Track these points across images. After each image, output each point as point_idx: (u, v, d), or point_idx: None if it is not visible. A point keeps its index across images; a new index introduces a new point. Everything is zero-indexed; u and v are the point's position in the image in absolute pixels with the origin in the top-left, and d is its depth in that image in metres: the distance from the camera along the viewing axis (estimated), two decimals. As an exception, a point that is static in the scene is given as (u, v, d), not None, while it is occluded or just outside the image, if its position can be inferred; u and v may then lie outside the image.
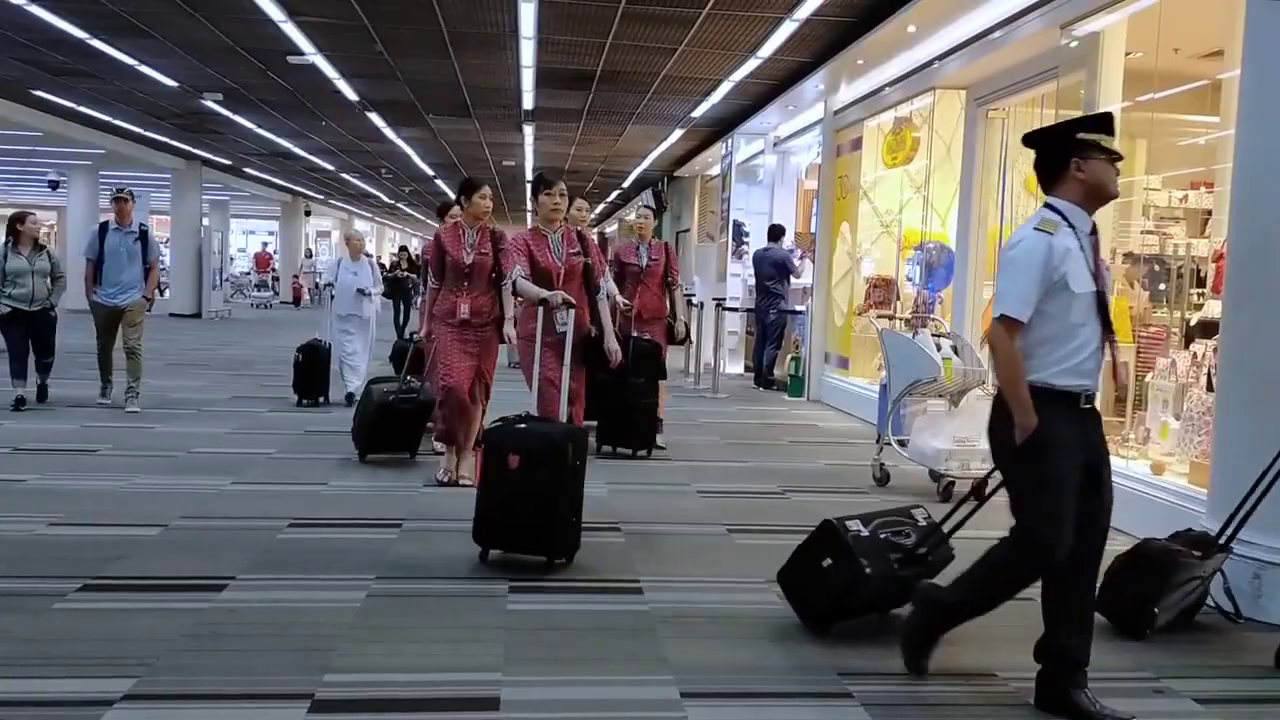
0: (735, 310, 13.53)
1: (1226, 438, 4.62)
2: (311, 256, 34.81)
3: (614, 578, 4.65)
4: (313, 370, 9.73)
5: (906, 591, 3.73)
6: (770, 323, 12.51)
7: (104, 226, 9.06)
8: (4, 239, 8.90)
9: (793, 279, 12.51)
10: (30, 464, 6.63)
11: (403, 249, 23.90)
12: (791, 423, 9.88)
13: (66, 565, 4.48)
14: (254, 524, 5.33)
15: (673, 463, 7.46)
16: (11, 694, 3.21)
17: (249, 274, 34.59)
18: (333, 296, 10.11)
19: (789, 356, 12.25)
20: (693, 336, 10.00)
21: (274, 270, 34.31)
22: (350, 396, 9.30)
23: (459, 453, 6.42)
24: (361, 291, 9.73)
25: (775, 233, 12.74)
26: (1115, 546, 5.62)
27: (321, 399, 9.71)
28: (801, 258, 12.94)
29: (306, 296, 30.80)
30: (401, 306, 18.43)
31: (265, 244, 40.39)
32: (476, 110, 15.03)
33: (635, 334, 7.71)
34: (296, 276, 32.00)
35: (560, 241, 5.90)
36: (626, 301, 7.88)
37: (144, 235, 9.06)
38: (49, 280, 8.83)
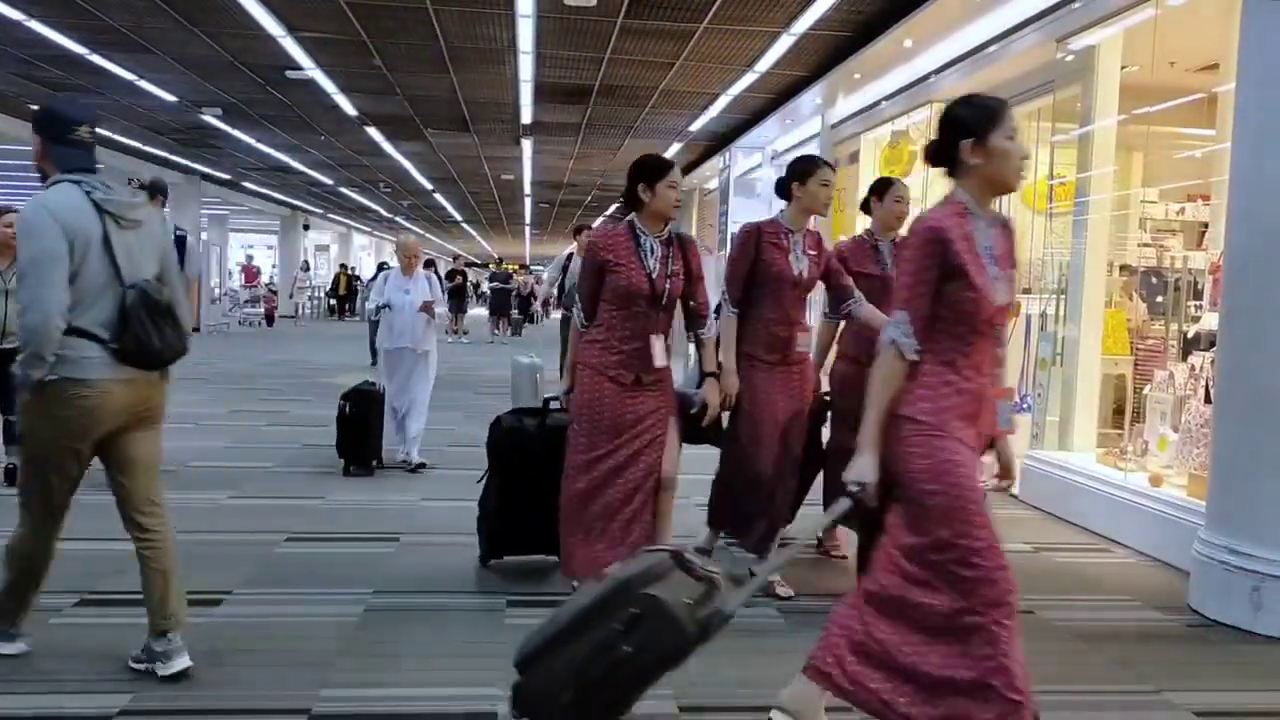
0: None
1: (1224, 450, 4.62)
2: (309, 269, 34.14)
3: (612, 591, 4.63)
4: (365, 425, 7.14)
5: None
6: None
7: None
8: None
9: None
10: (27, 478, 6.60)
11: (429, 262, 23.08)
12: (790, 436, 9.85)
13: (63, 580, 4.44)
14: (251, 538, 5.31)
15: (671, 476, 7.45)
16: (8, 710, 3.19)
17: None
18: (375, 322, 7.66)
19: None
20: None
21: (271, 284, 33.68)
22: (409, 464, 7.31)
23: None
24: (427, 309, 7.39)
25: None
26: (1115, 559, 5.63)
27: (376, 463, 7.27)
28: None
29: (306, 310, 30.38)
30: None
31: (250, 256, 37.89)
32: (475, 124, 15.07)
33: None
34: (274, 293, 29.86)
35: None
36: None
37: (181, 244, 6.42)
38: None
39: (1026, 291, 8.56)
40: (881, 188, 4.98)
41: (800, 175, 4.55)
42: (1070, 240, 6.87)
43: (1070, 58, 6.83)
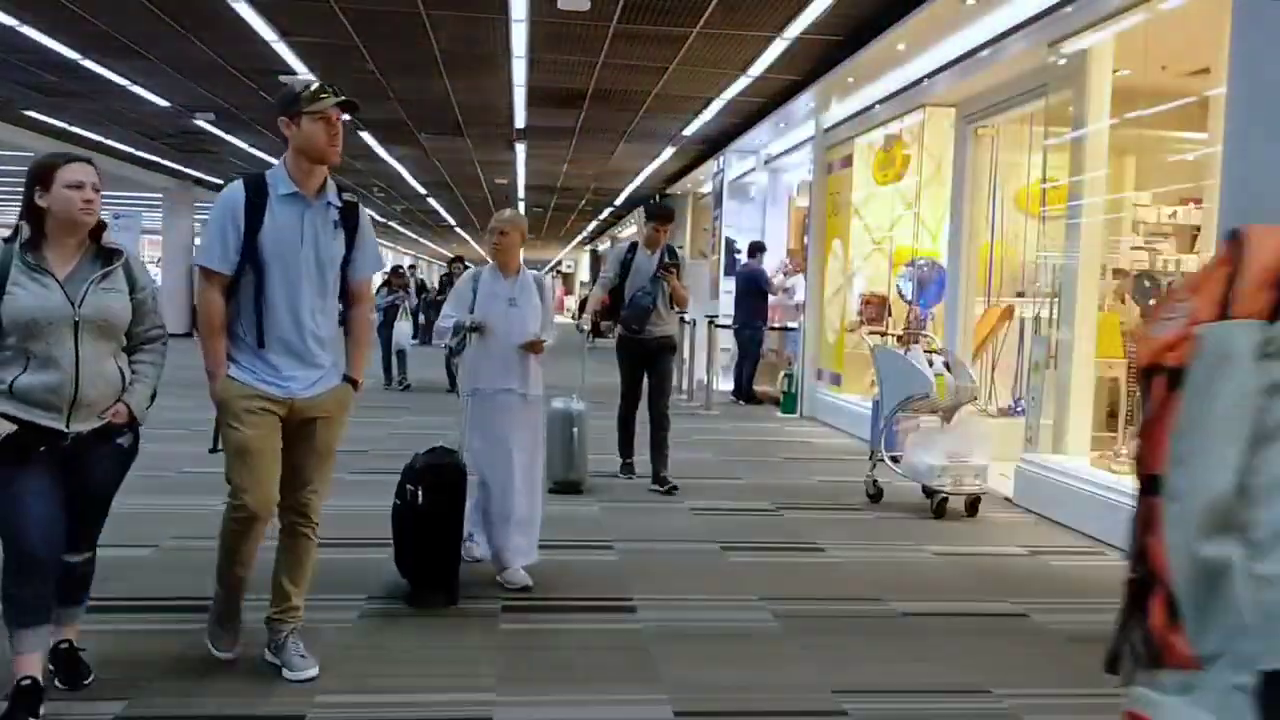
0: (727, 327, 13.59)
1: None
2: None
3: (607, 596, 4.63)
4: (445, 530, 4.32)
5: None
6: (745, 339, 12.68)
7: (259, 184, 3.65)
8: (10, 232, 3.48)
9: (770, 296, 12.66)
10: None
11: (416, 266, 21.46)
12: (784, 439, 9.87)
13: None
14: (246, 544, 5.28)
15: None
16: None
17: None
18: (451, 350, 5.01)
19: (782, 373, 12.26)
20: None
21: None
22: (508, 583, 4.59)
23: None
24: (533, 349, 4.76)
25: (751, 249, 13.00)
26: (1109, 562, 5.65)
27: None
28: (787, 274, 13.10)
29: None
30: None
31: None
32: (468, 129, 15.07)
33: None
34: None
35: None
36: None
37: (352, 212, 3.96)
38: (122, 354, 3.42)
39: (1020, 295, 8.60)
40: None
41: None
42: (1063, 244, 6.90)
43: (1062, 62, 6.85)
